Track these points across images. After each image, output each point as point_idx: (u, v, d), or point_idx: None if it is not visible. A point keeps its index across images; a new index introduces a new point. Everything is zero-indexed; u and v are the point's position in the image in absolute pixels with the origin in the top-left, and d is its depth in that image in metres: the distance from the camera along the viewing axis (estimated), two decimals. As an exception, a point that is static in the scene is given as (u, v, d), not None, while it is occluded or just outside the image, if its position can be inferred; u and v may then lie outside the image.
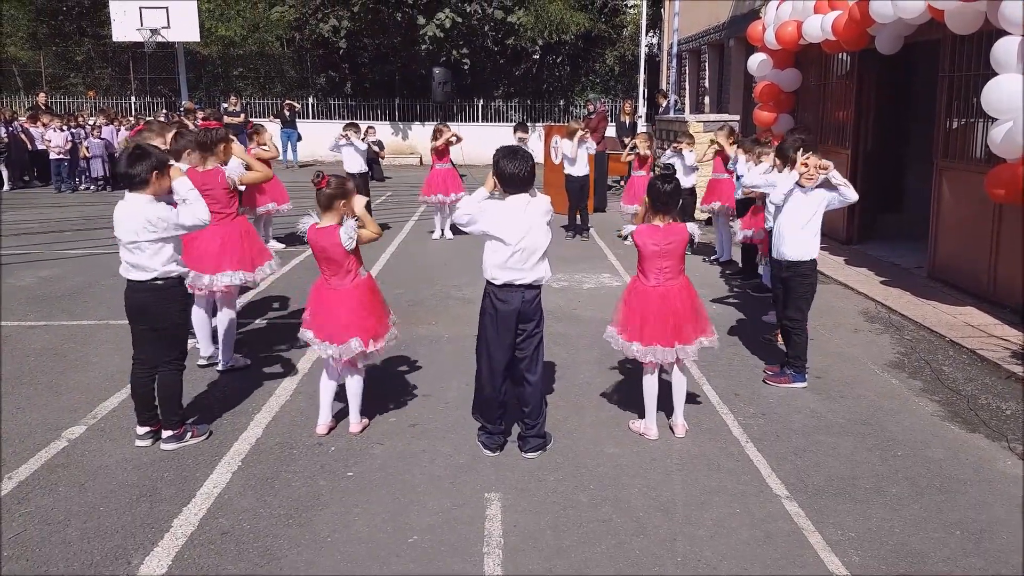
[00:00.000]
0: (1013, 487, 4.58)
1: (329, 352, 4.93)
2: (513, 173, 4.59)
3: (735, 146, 9.84)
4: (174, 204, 4.89)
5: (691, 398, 5.55)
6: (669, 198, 5.00)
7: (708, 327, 5.12)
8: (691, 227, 5.06)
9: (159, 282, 4.72)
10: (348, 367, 5.10)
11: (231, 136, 6.36)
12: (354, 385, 5.17)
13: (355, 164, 11.88)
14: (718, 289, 9.28)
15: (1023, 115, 6.68)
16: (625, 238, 5.10)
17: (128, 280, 4.76)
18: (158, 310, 4.77)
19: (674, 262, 5.01)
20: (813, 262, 6.10)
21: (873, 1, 8.95)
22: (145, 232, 4.62)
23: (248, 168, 6.32)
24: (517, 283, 4.67)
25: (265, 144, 10.59)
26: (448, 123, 13.26)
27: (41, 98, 22.37)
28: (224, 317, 6.22)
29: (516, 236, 4.59)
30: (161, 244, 4.70)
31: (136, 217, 4.63)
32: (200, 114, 16.87)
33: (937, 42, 9.12)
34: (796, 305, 6.12)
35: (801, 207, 6.00)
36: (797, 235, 6.03)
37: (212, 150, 6.02)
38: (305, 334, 5.05)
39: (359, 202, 4.96)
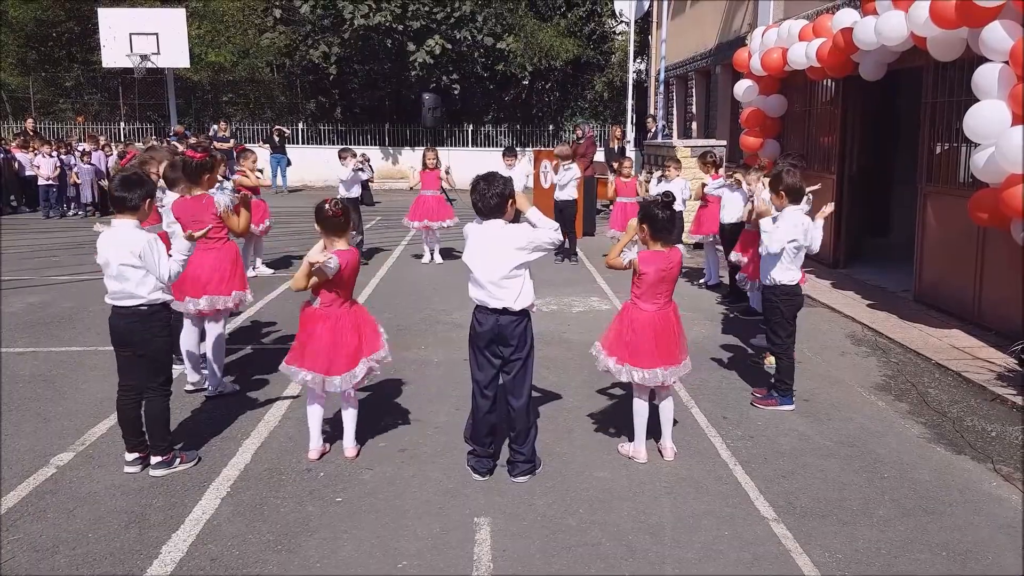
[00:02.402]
0: (999, 508, 4.62)
1: (343, 386, 4.94)
2: (472, 201, 4.71)
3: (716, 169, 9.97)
4: (161, 234, 4.93)
5: (677, 421, 5.58)
6: (670, 223, 5.00)
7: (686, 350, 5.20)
8: (680, 250, 5.11)
9: (144, 308, 4.74)
10: (344, 398, 5.14)
11: (216, 162, 6.34)
12: (349, 411, 5.20)
13: (352, 189, 11.95)
14: (707, 313, 9.33)
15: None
16: (628, 266, 5.03)
17: (113, 306, 4.77)
18: (143, 336, 4.78)
19: (671, 287, 5.04)
20: (792, 287, 6.13)
21: (856, 28, 9.09)
22: (132, 258, 4.65)
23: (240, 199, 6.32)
24: (488, 306, 4.70)
25: (246, 169, 10.64)
26: (437, 148, 13.27)
27: (29, 124, 22.39)
28: (212, 340, 6.22)
29: (470, 259, 4.72)
30: (147, 271, 4.72)
31: (125, 244, 4.66)
32: (192, 140, 16.92)
33: (920, 69, 9.25)
34: (772, 328, 6.21)
35: (779, 233, 6.07)
36: (773, 260, 6.11)
37: (198, 179, 6.04)
38: (299, 375, 4.98)
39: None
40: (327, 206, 4.86)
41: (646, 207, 5.06)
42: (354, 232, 5.09)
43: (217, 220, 6.00)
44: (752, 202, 8.14)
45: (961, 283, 8.49)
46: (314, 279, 4.82)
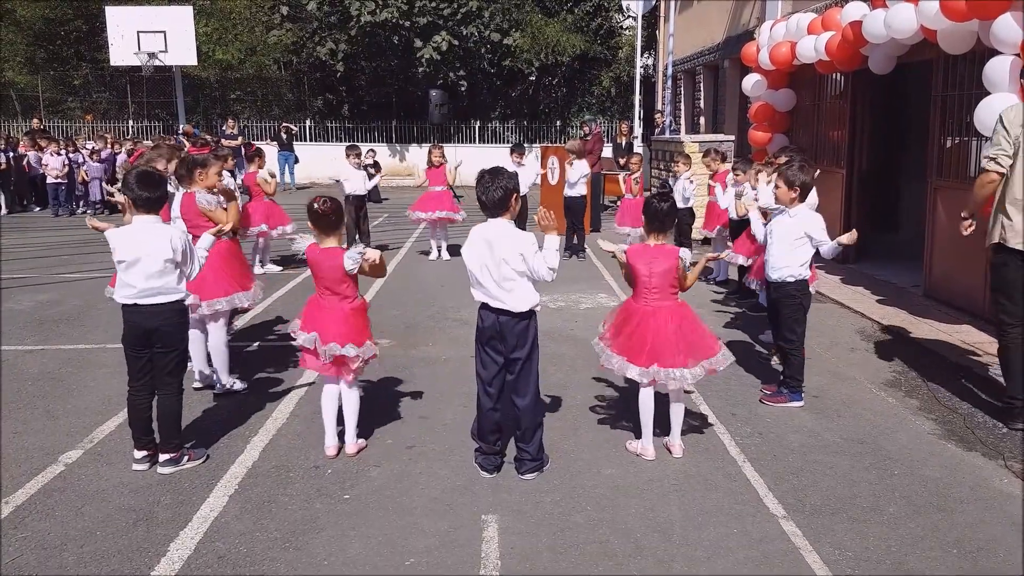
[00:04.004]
0: (1010, 505, 4.58)
1: (319, 347, 4.91)
2: (477, 194, 4.69)
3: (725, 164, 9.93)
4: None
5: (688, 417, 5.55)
6: (665, 216, 4.98)
7: (711, 349, 5.04)
8: (683, 252, 5.00)
9: (178, 304, 4.81)
10: (344, 379, 5.10)
11: (214, 159, 6.29)
12: (351, 402, 5.15)
13: (359, 187, 11.97)
14: (715, 309, 9.30)
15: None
16: (620, 260, 5.06)
17: (137, 304, 4.73)
18: (178, 334, 4.84)
19: (663, 283, 4.97)
20: (800, 283, 6.10)
21: (866, 21, 9.04)
22: (175, 254, 4.71)
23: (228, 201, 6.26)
24: (491, 305, 4.67)
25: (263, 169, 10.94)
26: (444, 144, 13.29)
27: (35, 123, 22.46)
28: (215, 340, 6.21)
29: (470, 259, 4.69)
30: (178, 266, 4.79)
31: (166, 239, 4.69)
32: (207, 137, 17.00)
33: (930, 62, 9.19)
34: (788, 326, 6.14)
35: (789, 229, 6.04)
36: (784, 256, 6.07)
37: (190, 175, 6.02)
38: (296, 332, 5.07)
39: (374, 254, 4.94)
40: (316, 204, 4.89)
41: (648, 199, 5.09)
42: (357, 239, 5.04)
43: (202, 218, 5.92)
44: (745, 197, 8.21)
45: (971, 278, 8.43)
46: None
